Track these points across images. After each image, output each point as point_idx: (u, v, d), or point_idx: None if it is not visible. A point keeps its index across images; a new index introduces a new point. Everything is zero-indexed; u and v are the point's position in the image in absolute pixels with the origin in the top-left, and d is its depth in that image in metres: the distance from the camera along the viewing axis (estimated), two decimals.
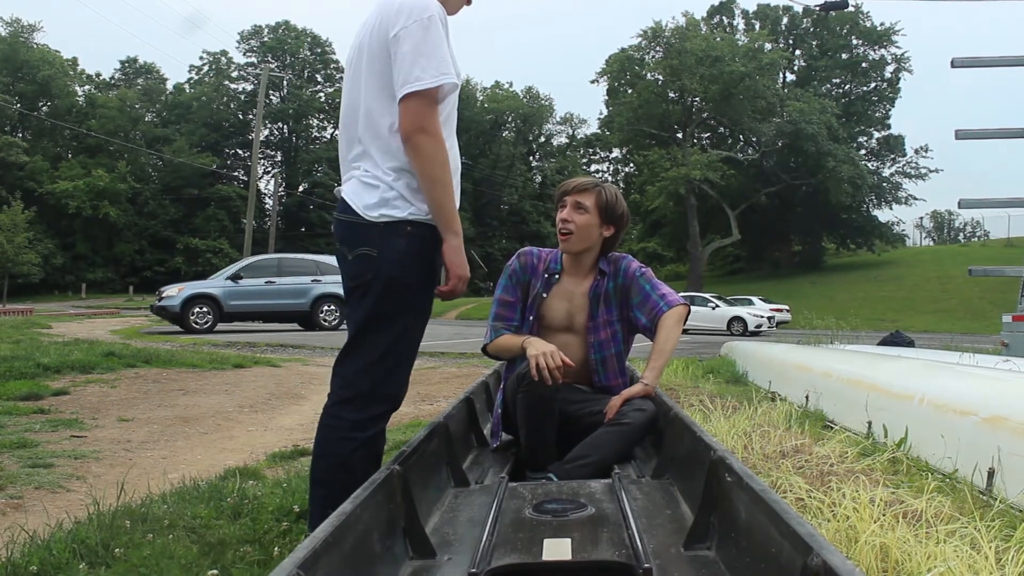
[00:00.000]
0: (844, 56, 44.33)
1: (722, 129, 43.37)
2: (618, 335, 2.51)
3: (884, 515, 1.97)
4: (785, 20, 45.61)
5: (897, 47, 43.15)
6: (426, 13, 1.73)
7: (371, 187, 1.81)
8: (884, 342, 10.41)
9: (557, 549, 1.42)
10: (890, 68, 43.95)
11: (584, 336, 2.49)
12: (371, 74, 1.81)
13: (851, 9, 36.44)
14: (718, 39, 38.70)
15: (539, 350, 2.16)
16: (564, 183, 2.56)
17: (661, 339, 2.43)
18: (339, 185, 1.93)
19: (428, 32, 1.72)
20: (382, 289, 1.80)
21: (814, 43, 45.71)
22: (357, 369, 1.83)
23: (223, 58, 57.51)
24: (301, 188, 54.17)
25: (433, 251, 1.84)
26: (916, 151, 42.92)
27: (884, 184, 42.47)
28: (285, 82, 56.54)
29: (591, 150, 61.10)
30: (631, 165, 48.23)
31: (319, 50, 58.77)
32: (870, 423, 3.59)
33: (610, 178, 50.12)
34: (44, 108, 51.70)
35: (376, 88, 1.80)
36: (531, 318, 2.49)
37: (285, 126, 58.40)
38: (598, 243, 2.50)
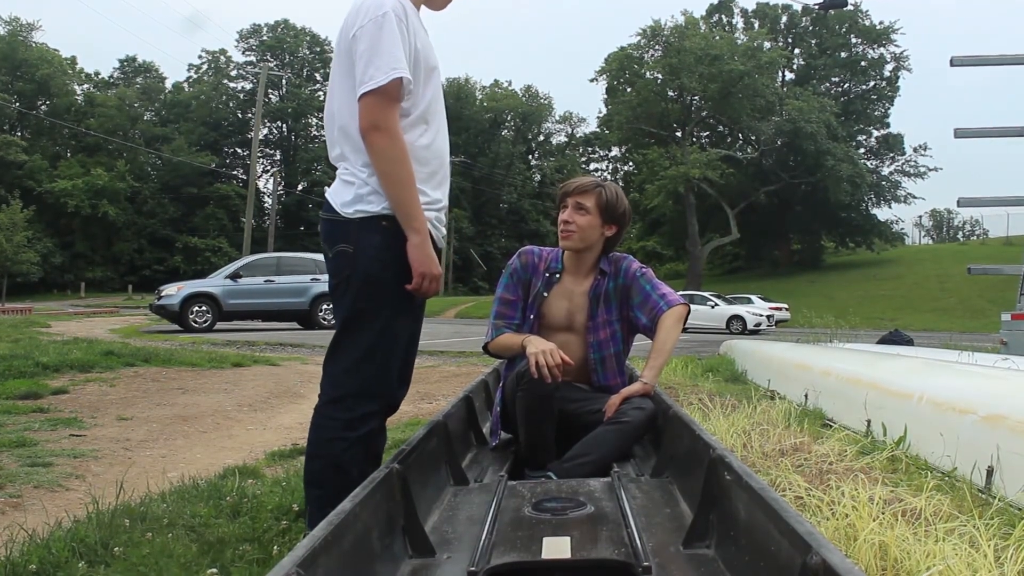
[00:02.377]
0: (843, 55, 44.28)
1: (721, 128, 43.37)
2: (617, 335, 2.51)
3: (883, 513, 1.97)
4: (784, 19, 45.58)
5: (896, 46, 43.18)
6: (380, 11, 1.73)
7: (348, 184, 1.82)
8: (883, 340, 10.40)
9: (556, 548, 1.42)
10: (889, 67, 43.97)
11: (583, 335, 2.49)
12: (340, 75, 1.82)
13: (850, 8, 36.47)
14: (717, 38, 38.67)
15: (539, 348, 2.16)
16: (565, 183, 2.55)
17: (661, 338, 2.43)
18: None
19: (382, 30, 1.72)
20: (360, 285, 1.79)
21: (813, 42, 45.67)
22: (345, 368, 1.82)
23: (222, 57, 57.56)
24: (300, 187, 54.14)
25: None
26: (915, 149, 42.96)
27: (883, 183, 42.44)
28: (284, 81, 56.54)
29: (590, 149, 61.19)
30: (630, 164, 48.20)
31: (318, 49, 58.73)
32: (869, 421, 3.59)
33: (609, 177, 50.11)
34: (43, 107, 51.68)
35: (345, 89, 1.81)
36: (532, 317, 2.49)
37: (284, 125, 58.39)
38: (599, 243, 2.50)
